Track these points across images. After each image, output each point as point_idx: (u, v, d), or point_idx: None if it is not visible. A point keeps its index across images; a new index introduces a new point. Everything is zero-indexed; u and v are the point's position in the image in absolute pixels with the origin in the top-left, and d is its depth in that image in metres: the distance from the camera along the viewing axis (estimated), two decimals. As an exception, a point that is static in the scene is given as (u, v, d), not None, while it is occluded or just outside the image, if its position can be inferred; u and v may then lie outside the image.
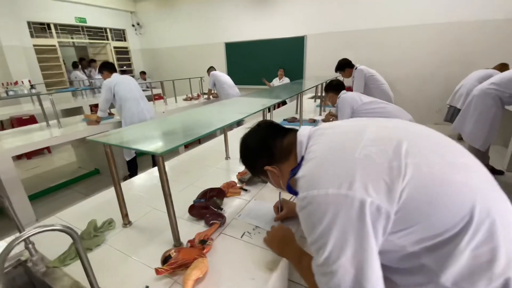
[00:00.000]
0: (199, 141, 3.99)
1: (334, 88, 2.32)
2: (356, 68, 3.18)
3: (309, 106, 3.73)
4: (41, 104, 2.82)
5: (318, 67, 5.72)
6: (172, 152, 2.91)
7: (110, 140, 0.91)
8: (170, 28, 7.63)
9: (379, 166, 0.52)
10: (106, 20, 7.46)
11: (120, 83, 2.68)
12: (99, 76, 6.77)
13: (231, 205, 1.17)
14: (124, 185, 1.48)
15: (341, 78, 3.79)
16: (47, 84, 6.21)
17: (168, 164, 1.75)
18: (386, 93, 3.11)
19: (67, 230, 0.56)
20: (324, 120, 2.59)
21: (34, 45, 5.97)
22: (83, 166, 3.66)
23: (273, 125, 0.83)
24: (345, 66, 3.27)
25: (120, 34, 8.01)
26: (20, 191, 2.28)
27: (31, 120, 4.12)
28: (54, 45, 6.42)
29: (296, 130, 0.78)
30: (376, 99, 2.17)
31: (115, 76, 2.72)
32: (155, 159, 2.42)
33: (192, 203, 1.12)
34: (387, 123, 0.68)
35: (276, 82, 5.76)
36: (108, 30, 7.61)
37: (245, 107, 1.72)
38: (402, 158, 0.52)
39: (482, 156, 2.78)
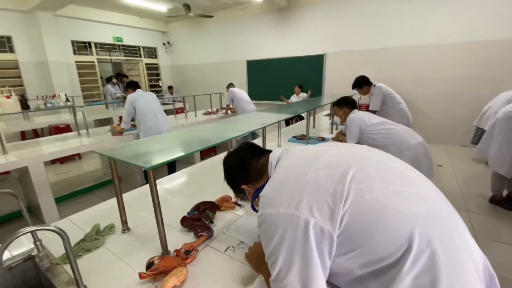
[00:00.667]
0: (215, 151, 4.14)
1: (348, 103, 2.31)
2: (375, 85, 3.14)
3: (324, 123, 3.72)
4: (74, 116, 3.13)
5: (338, 85, 5.72)
6: (187, 162, 3.06)
7: (115, 154, 1.02)
8: (197, 46, 8.11)
9: (324, 189, 0.56)
10: (140, 39, 8.13)
11: (140, 98, 2.92)
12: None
13: (223, 219, 1.22)
14: (135, 192, 1.60)
15: (357, 95, 3.78)
16: (85, 96, 6.83)
17: (179, 174, 1.86)
18: (404, 112, 3.04)
19: (58, 231, 0.65)
20: (333, 139, 2.58)
21: (76, 61, 6.66)
22: (107, 173, 3.93)
23: (252, 147, 0.89)
24: (363, 83, 3.24)
25: (151, 52, 8.66)
26: (48, 193, 2.52)
27: (67, 128, 4.55)
28: (93, 62, 7.10)
29: (271, 152, 0.83)
30: (386, 120, 2.14)
31: (138, 92, 2.98)
32: (169, 168, 2.58)
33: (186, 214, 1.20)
34: (346, 149, 0.71)
35: (294, 98, 5.82)
36: (141, 48, 8.27)
37: (249, 124, 1.79)
38: (346, 184, 0.55)
39: (509, 183, 2.58)
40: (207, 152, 4.21)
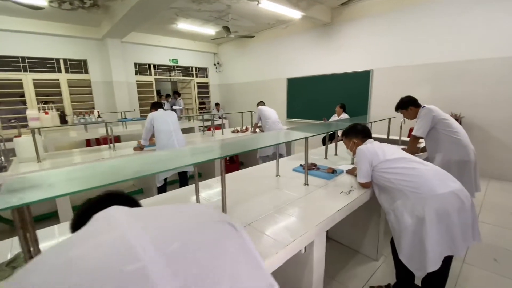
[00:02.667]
0: (238, 167, 3.97)
1: (357, 132, 1.88)
2: (424, 107, 2.51)
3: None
4: (107, 131, 3.45)
5: (386, 105, 5.00)
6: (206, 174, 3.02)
7: (11, 184, 0.94)
8: (242, 66, 8.35)
9: None
10: (193, 61, 8.81)
11: (158, 117, 3.03)
12: (177, 106, 7.96)
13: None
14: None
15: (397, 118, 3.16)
16: (142, 111, 7.63)
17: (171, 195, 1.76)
18: (461, 145, 2.27)
19: None
20: (348, 172, 2.12)
21: (137, 81, 7.55)
22: (136, 184, 4.16)
23: (111, 198, 0.66)
24: (409, 103, 2.57)
25: (203, 71, 9.27)
26: (66, 200, 2.72)
27: (115, 139, 5.10)
28: (151, 81, 7.94)
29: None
30: (409, 156, 1.64)
31: (159, 111, 3.12)
32: (181, 179, 2.62)
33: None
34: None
35: (334, 118, 5.33)
36: (194, 68, 8.94)
37: (205, 154, 1.58)
38: None
39: None
40: (233, 168, 4.07)
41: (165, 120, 3.07)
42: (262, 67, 7.62)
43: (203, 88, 9.37)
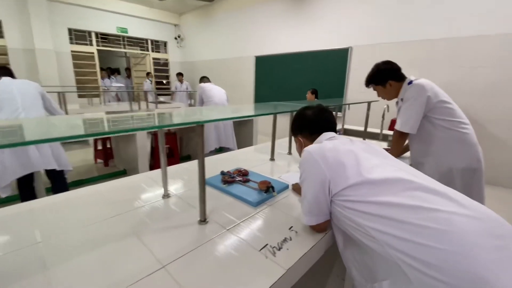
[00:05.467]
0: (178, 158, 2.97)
1: (305, 124, 0.98)
2: (411, 82, 1.52)
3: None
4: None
5: (365, 89, 4.18)
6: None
7: None
8: (207, 41, 7.17)
9: None
10: (149, 32, 7.46)
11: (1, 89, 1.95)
12: (115, 84, 6.73)
13: None
14: None
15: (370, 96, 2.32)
16: (81, 88, 6.28)
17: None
18: (469, 146, 1.40)
19: None
20: (295, 189, 1.22)
21: (72, 51, 6.15)
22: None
23: None
24: (388, 76, 1.59)
25: (161, 46, 7.95)
26: None
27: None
28: (93, 52, 6.56)
29: None
30: (420, 179, 0.74)
31: (5, 79, 2.04)
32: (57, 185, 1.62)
33: None
34: None
35: (305, 105, 4.44)
36: (149, 41, 7.60)
37: None
38: None
39: None
40: (170, 163, 3.05)
41: (9, 91, 1.98)
42: (229, 43, 6.51)
43: (162, 66, 8.09)
